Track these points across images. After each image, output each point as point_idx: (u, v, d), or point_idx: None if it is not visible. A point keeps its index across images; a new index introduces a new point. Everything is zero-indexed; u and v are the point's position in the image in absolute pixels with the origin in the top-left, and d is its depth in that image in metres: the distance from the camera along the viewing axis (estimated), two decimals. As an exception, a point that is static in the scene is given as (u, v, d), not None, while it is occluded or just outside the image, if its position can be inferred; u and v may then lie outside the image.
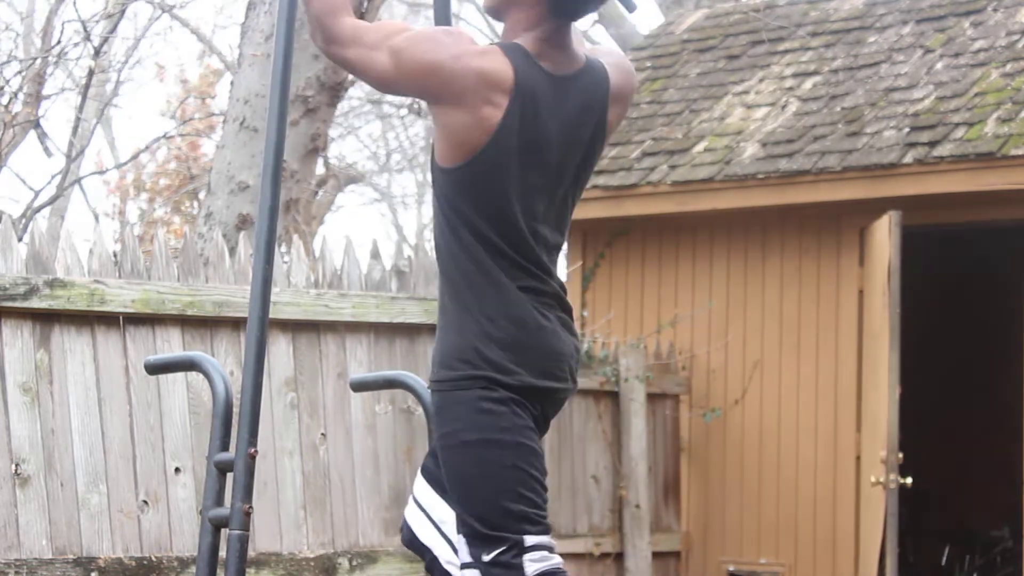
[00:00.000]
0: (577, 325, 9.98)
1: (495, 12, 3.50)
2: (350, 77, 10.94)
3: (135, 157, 16.04)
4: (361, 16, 9.60)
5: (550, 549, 3.40)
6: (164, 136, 14.81)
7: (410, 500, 3.70)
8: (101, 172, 16.16)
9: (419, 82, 3.35)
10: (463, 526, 3.39)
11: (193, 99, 17.48)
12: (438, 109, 3.37)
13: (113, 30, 11.50)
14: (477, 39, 3.42)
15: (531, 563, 3.36)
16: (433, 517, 3.64)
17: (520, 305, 3.41)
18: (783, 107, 9.97)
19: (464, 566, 3.40)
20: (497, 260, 3.40)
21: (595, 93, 3.50)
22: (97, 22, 11.22)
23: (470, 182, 3.38)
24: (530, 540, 3.36)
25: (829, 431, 9.27)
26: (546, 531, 3.39)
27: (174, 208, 16.82)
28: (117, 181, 17.80)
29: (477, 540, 3.36)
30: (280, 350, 5.91)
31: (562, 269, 12.10)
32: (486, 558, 3.35)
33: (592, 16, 18.61)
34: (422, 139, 22.90)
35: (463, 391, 3.38)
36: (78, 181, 15.34)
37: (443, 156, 3.40)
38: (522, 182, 3.40)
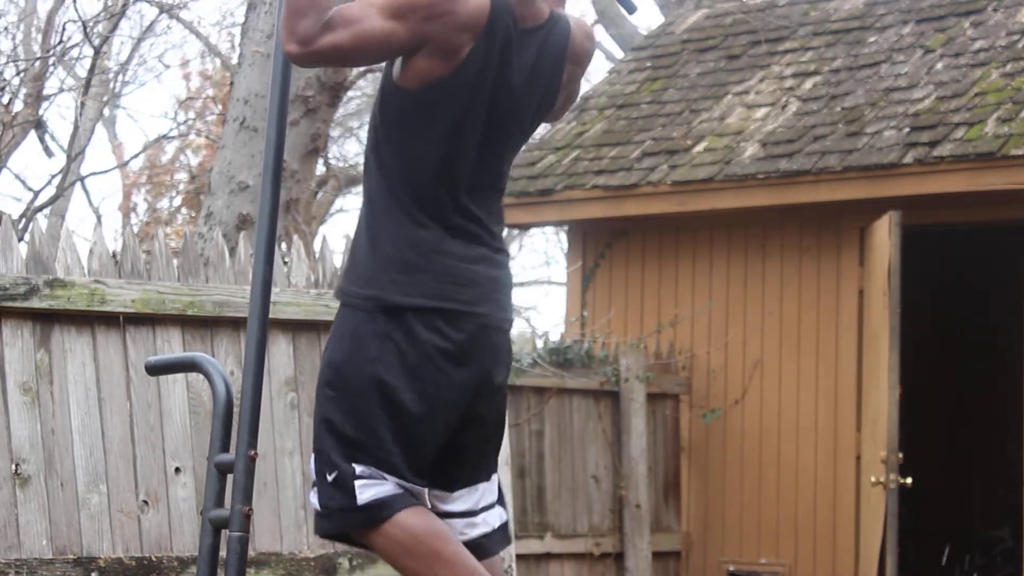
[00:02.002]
0: (577, 325, 10.03)
1: None
2: (350, 77, 10.92)
3: (144, 150, 16.04)
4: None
5: (386, 480, 3.36)
6: (168, 135, 14.82)
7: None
8: (101, 172, 16.17)
9: (418, 17, 3.30)
10: (314, 438, 3.42)
11: (204, 97, 17.48)
12: (412, 27, 3.33)
13: (113, 30, 11.50)
14: None
15: (362, 489, 3.35)
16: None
17: (431, 235, 3.39)
18: (783, 107, 9.97)
19: (312, 484, 3.43)
20: (419, 191, 3.39)
21: (556, 47, 3.52)
22: (97, 23, 11.22)
23: (419, 107, 3.38)
24: (360, 469, 3.35)
25: (829, 431, 9.27)
26: (381, 464, 3.35)
27: (186, 204, 16.82)
28: (132, 179, 17.80)
29: (320, 457, 3.39)
30: (280, 350, 5.91)
31: (562, 269, 12.07)
32: (329, 478, 3.37)
33: (592, 16, 18.59)
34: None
35: (353, 309, 3.39)
36: (78, 180, 15.33)
37: (401, 74, 3.38)
38: (467, 123, 3.40)
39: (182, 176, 17.35)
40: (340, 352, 3.39)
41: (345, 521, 3.39)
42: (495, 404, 3.54)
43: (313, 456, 3.44)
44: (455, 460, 3.49)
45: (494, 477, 3.62)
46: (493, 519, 3.59)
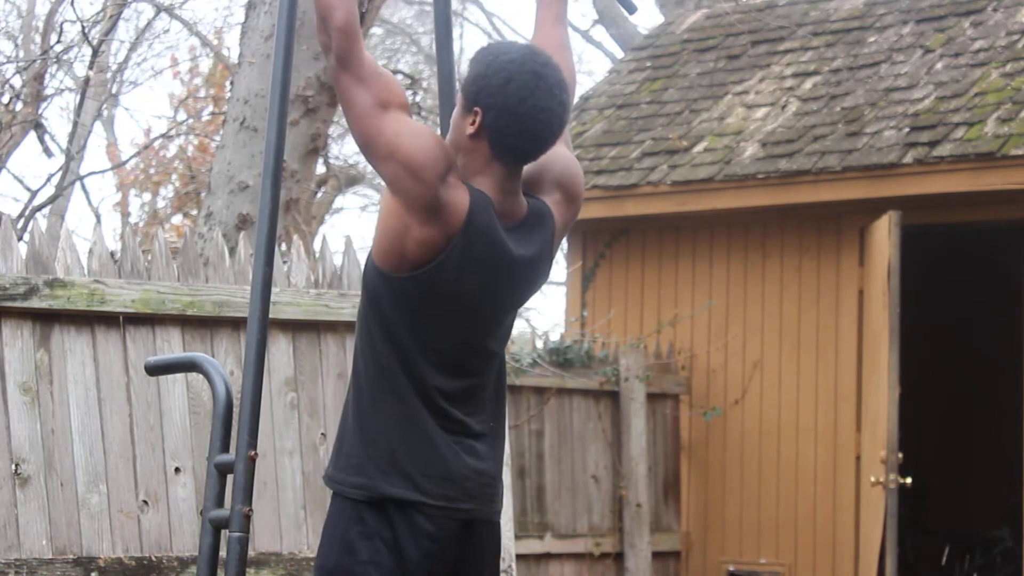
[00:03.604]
0: (577, 325, 10.03)
1: None
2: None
3: (139, 153, 16.04)
4: (361, 16, 9.60)
5: None
6: (166, 134, 14.81)
7: None
8: (102, 172, 16.18)
9: (397, 162, 3.30)
10: None
11: (199, 97, 17.48)
12: (394, 205, 3.32)
13: (112, 30, 11.50)
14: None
15: None
16: None
17: (420, 427, 3.37)
18: (783, 107, 9.97)
19: None
20: (407, 379, 3.37)
21: (540, 239, 3.47)
22: (96, 23, 11.22)
23: (405, 295, 3.35)
24: None
25: (829, 431, 9.27)
26: None
27: (179, 207, 16.82)
28: (123, 179, 17.80)
29: None
30: (280, 350, 5.91)
31: (562, 269, 12.09)
32: None
33: (592, 16, 18.60)
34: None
35: (343, 501, 3.38)
36: (77, 180, 15.33)
37: (380, 256, 3.37)
38: (452, 313, 3.37)
39: (171, 174, 17.35)
40: (332, 558, 3.38)
41: None
42: None
43: None
44: None
45: None
46: None
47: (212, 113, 16.88)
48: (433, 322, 3.37)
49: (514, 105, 3.33)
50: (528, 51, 3.39)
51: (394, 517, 3.35)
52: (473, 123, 3.36)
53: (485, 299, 3.41)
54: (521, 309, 3.63)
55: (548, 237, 3.49)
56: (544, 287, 3.78)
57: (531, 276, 3.49)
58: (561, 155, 3.57)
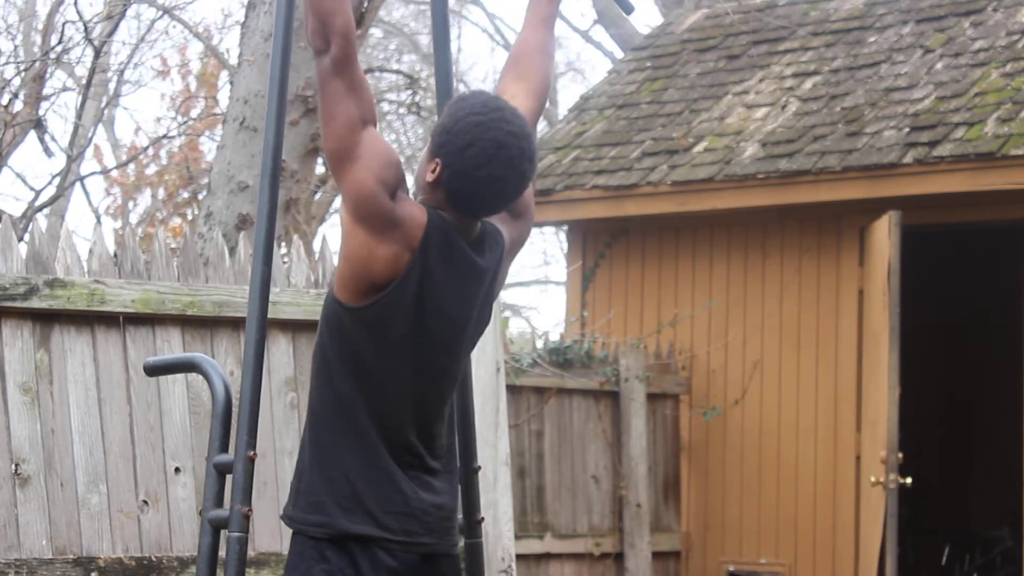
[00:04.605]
0: (577, 325, 10.03)
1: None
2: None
3: (134, 159, 16.03)
4: (361, 16, 9.60)
5: None
6: (165, 136, 14.81)
7: None
8: (102, 172, 16.16)
9: (371, 176, 3.30)
10: None
11: (193, 95, 17.48)
12: (355, 228, 3.32)
13: (113, 30, 11.50)
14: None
15: None
16: None
17: (377, 462, 3.36)
18: (783, 107, 9.97)
19: None
20: (365, 412, 3.36)
21: (492, 256, 3.48)
22: (97, 23, 11.22)
23: (361, 323, 3.34)
24: None
25: (829, 431, 9.27)
26: None
27: (175, 210, 16.82)
28: (118, 179, 17.81)
29: None
30: (280, 350, 5.91)
31: (562, 269, 12.07)
32: None
33: (592, 16, 18.60)
34: (421, 139, 22.89)
35: (304, 540, 3.37)
36: (78, 180, 15.34)
37: (342, 290, 3.36)
38: (409, 339, 3.37)
39: (164, 176, 17.35)
40: None
41: None
42: None
43: None
44: None
45: None
46: None
47: (201, 116, 16.87)
48: (398, 346, 3.36)
49: (470, 170, 3.34)
50: (498, 115, 3.37)
51: (356, 554, 3.35)
52: (434, 171, 3.38)
53: (450, 310, 3.41)
54: (478, 341, 3.61)
55: (499, 254, 3.50)
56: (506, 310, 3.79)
57: (489, 290, 3.50)
58: None
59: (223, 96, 16.82)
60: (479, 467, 3.93)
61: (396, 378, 3.39)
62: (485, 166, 3.34)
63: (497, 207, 3.43)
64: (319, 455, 3.39)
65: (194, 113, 17.12)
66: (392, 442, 3.39)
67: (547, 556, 8.81)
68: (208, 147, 17.06)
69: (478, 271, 3.44)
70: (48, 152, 11.55)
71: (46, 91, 11.84)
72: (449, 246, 3.38)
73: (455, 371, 3.50)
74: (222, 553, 3.51)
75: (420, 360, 3.41)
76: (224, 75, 16.78)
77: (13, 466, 5.21)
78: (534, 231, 23.28)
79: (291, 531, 3.43)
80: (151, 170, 17.73)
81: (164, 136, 15.97)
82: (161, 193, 17.32)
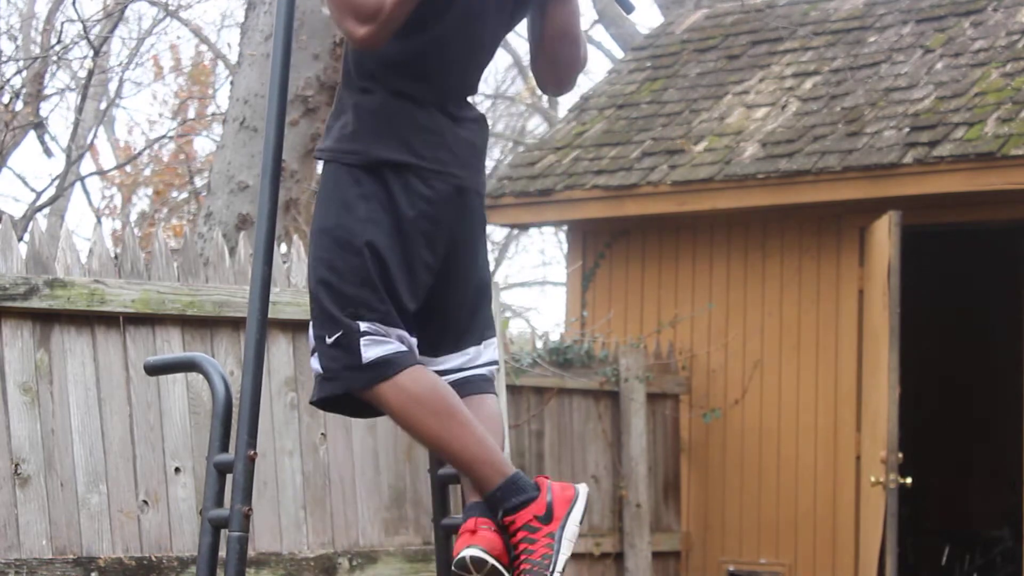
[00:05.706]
0: (577, 325, 10.03)
1: None
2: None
3: (132, 159, 16.04)
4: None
5: (389, 336, 3.39)
6: (164, 136, 14.82)
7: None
8: (102, 172, 16.16)
9: None
10: (312, 304, 3.44)
11: (189, 95, 17.48)
12: None
13: (113, 30, 11.50)
14: None
15: (367, 347, 3.37)
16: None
17: (411, 101, 3.43)
18: (783, 107, 9.97)
19: (312, 351, 3.44)
20: (398, 64, 3.42)
21: None
22: (96, 23, 11.22)
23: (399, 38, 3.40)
24: (364, 326, 3.37)
25: (829, 431, 9.27)
26: (386, 318, 3.38)
27: (173, 210, 16.83)
28: (117, 179, 17.82)
29: (319, 321, 3.41)
30: (280, 350, 5.91)
31: (562, 269, 12.06)
32: (328, 340, 3.38)
33: (592, 16, 18.59)
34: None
35: (337, 168, 3.44)
36: (78, 180, 15.34)
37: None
38: (445, 4, 3.42)
39: (148, 171, 17.37)
40: (330, 219, 3.43)
41: (351, 380, 3.39)
42: (476, 265, 3.58)
43: (311, 324, 3.46)
44: (434, 324, 3.53)
45: (490, 343, 3.64)
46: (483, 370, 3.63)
47: (189, 119, 16.88)
48: (434, 6, 3.39)
49: None
50: None
51: (389, 179, 3.42)
52: None
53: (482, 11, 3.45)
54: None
55: None
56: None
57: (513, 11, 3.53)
58: None
59: (220, 96, 16.84)
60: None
61: (435, 40, 3.42)
62: None
63: None
64: (355, 99, 3.46)
65: (189, 113, 17.14)
66: (431, 86, 3.44)
67: (547, 556, 8.80)
68: (200, 146, 17.08)
69: None
70: (48, 152, 11.56)
71: (46, 91, 11.84)
72: None
73: (491, 46, 3.54)
74: (222, 553, 3.51)
75: (455, 23, 3.43)
76: (217, 74, 16.79)
77: (13, 466, 5.21)
78: (534, 231, 23.25)
79: (324, 167, 3.47)
80: (148, 171, 17.75)
81: (163, 136, 15.98)
82: (149, 191, 17.34)
